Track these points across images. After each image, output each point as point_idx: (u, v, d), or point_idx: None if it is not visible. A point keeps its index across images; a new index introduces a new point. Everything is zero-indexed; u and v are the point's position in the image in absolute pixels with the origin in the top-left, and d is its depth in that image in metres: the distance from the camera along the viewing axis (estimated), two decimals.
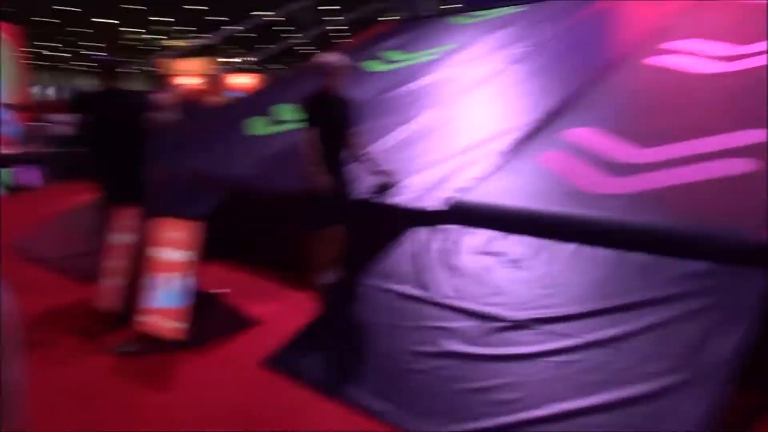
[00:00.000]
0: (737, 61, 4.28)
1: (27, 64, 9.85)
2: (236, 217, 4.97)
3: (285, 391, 2.83)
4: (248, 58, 21.80)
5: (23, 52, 9.29)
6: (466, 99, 5.41)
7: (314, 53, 7.59)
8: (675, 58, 4.64)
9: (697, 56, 4.56)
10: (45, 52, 25.44)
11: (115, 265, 3.81)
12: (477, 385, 2.55)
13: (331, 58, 3.88)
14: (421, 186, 4.03)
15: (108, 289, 3.80)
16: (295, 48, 21.31)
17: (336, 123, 3.86)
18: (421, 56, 7.02)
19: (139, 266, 3.60)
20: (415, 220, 3.71)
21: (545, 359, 2.52)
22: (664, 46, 4.88)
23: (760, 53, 4.23)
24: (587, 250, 2.94)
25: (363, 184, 4.19)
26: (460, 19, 8.20)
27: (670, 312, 2.46)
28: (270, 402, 2.75)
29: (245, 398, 2.79)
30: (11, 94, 8.73)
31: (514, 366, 2.56)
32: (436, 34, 7.78)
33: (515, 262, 3.11)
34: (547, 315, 2.70)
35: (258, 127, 6.41)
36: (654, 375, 2.26)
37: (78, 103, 4.43)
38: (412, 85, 6.18)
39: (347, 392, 2.72)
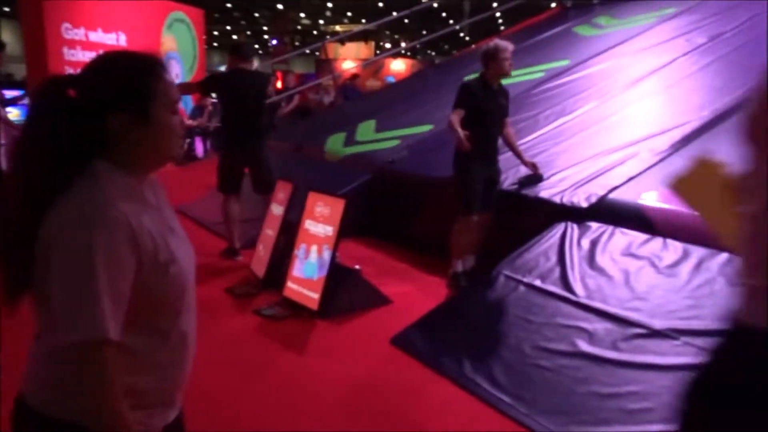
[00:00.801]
0: None
1: (205, 46, 10.86)
2: (382, 198, 5.17)
3: (408, 370, 2.92)
4: (408, 44, 22.20)
5: (204, 35, 10.25)
6: (629, 92, 5.11)
7: (474, 41, 7.61)
8: None
9: None
10: (215, 34, 27.88)
11: (268, 234, 4.15)
12: (606, 390, 2.45)
13: (497, 44, 3.86)
14: (571, 181, 3.90)
15: (260, 256, 4.16)
16: (455, 35, 21.37)
17: (492, 111, 3.85)
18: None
19: (288, 237, 3.89)
20: (562, 216, 3.61)
21: (682, 372, 2.34)
22: None
23: None
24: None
25: (513, 174, 4.15)
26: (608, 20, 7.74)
27: None
28: (393, 378, 2.86)
29: (369, 371, 2.92)
30: (189, 73, 9.71)
31: (648, 375, 2.43)
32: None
33: (662, 268, 2.92)
34: (690, 327, 2.51)
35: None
36: None
37: (208, 83, 4.95)
38: (575, 76, 5.95)
39: (470, 378, 2.75)
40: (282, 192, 4.20)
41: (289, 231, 3.94)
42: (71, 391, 1.03)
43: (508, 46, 3.85)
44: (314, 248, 3.65)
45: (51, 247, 1.00)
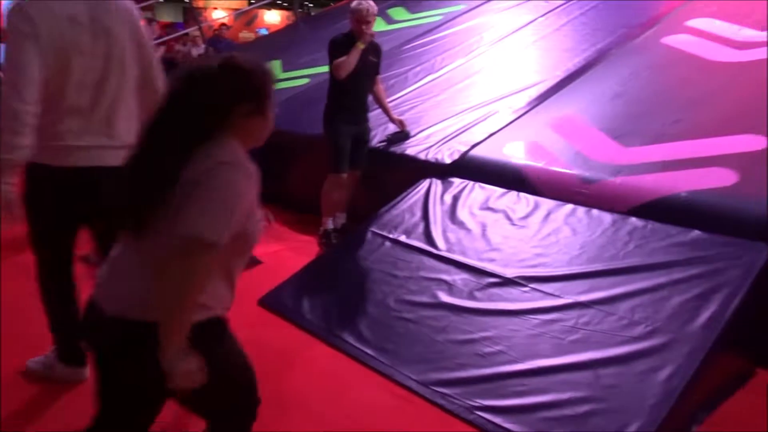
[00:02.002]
0: None
1: None
2: (255, 156, 5.02)
3: (277, 330, 2.93)
4: None
5: None
6: (492, 50, 5.29)
7: None
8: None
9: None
10: None
11: None
12: (463, 337, 2.61)
13: (360, 2, 3.82)
14: (436, 138, 4.01)
15: None
16: None
17: (361, 68, 3.83)
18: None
19: None
20: (428, 172, 3.72)
21: (530, 316, 2.55)
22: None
23: None
24: (584, 212, 2.93)
25: (382, 132, 4.20)
26: None
27: (658, 278, 2.46)
28: (261, 339, 2.83)
29: (240, 334, 2.88)
30: None
31: (499, 320, 2.61)
32: None
33: (515, 220, 3.11)
34: (538, 274, 2.72)
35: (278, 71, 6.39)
36: (634, 339, 2.29)
37: None
38: (440, 34, 6.06)
39: (337, 336, 2.81)
40: None
41: None
42: (159, 287, 1.26)
43: (370, 8, 3.82)
44: None
45: (199, 181, 1.27)
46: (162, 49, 9.08)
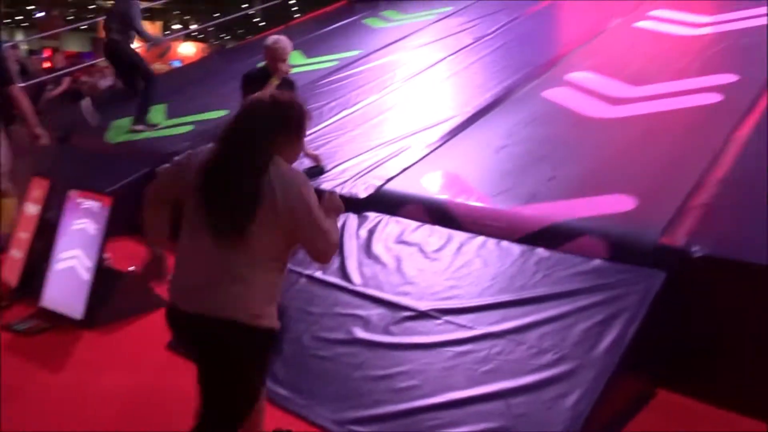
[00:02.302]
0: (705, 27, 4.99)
1: None
2: None
3: (187, 375, 2.78)
4: (199, 26, 21.18)
5: None
6: (407, 86, 5.43)
7: (269, 26, 7.53)
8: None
9: (672, 22, 5.24)
10: None
11: (22, 237, 3.67)
12: (377, 372, 2.59)
13: (277, 39, 3.82)
14: (351, 172, 4.03)
15: (12, 262, 3.66)
16: (250, 19, 20.88)
17: None
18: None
19: (44, 239, 3.47)
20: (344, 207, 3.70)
21: (444, 349, 2.57)
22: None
23: (722, 22, 4.94)
24: (494, 243, 3.01)
25: (297, 166, 4.15)
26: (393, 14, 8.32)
27: (565, 306, 2.55)
28: (170, 386, 2.71)
29: (145, 381, 2.75)
30: None
31: (414, 354, 2.61)
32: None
33: (429, 253, 3.15)
34: (451, 306, 2.75)
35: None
36: (542, 366, 2.35)
37: None
38: (355, 70, 6.16)
39: None
40: (37, 189, 3.73)
41: (48, 233, 3.52)
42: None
43: (287, 46, 3.85)
44: (78, 251, 3.31)
45: (283, 191, 1.70)
46: (68, 80, 8.69)
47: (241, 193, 1.67)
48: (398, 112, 4.95)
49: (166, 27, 24.34)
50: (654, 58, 4.69)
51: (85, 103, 6.15)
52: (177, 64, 15.73)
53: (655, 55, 4.76)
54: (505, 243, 3.00)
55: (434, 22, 7.05)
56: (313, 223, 1.74)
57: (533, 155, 3.72)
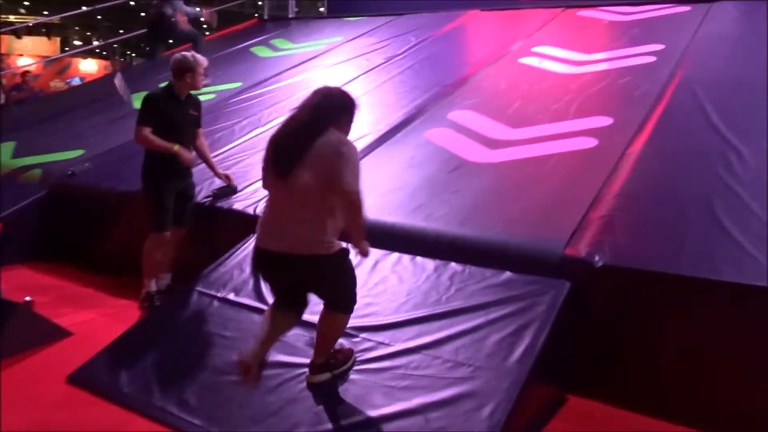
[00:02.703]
0: (584, 65, 5.16)
1: None
2: (62, 216, 4.59)
3: (91, 409, 2.62)
4: (102, 43, 20.28)
5: None
6: None
7: (176, 45, 7.32)
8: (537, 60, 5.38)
9: (555, 59, 5.37)
10: None
11: None
12: (296, 395, 2.53)
13: (186, 56, 3.70)
14: (261, 192, 3.94)
15: None
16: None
17: (182, 122, 3.69)
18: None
19: None
20: (255, 226, 3.62)
21: (363, 366, 2.57)
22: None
23: (601, 60, 5.06)
24: (409, 259, 3.05)
25: (208, 186, 4.05)
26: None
27: (478, 319, 2.61)
28: (72, 422, 2.53)
29: (41, 419, 2.55)
30: None
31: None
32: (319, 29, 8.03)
33: None
34: (368, 323, 2.75)
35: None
36: (458, 380, 2.38)
37: None
38: (267, 88, 6.10)
39: (160, 408, 2.58)
40: None
41: None
42: (351, 214, 2.34)
43: (204, 61, 3.75)
44: None
45: (333, 153, 2.28)
46: None
47: (298, 143, 2.31)
48: None
49: (66, 43, 23.18)
50: (534, 98, 4.64)
51: (118, 79, 6.04)
52: (77, 81, 15.00)
53: (535, 94, 4.73)
54: (419, 259, 3.04)
55: (324, 53, 7.01)
56: (341, 170, 2.25)
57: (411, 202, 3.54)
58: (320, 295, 2.51)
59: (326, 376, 2.51)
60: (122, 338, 3.07)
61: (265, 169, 2.43)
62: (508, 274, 2.79)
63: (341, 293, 2.50)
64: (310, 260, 2.34)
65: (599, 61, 5.22)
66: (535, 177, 3.58)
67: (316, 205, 2.31)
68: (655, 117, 3.99)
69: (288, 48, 7.61)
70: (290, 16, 9.76)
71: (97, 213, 4.46)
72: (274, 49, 7.70)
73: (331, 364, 2.53)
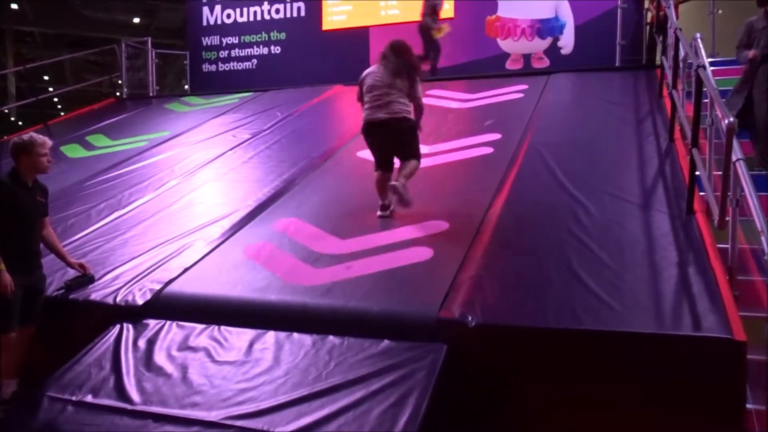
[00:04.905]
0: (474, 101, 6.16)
1: None
2: None
3: None
4: None
5: None
6: (186, 183, 5.25)
7: (26, 125, 6.82)
8: None
9: (447, 99, 6.10)
10: None
11: None
12: None
13: (23, 137, 3.42)
14: (126, 278, 3.69)
15: None
16: (5, 118, 18.82)
17: (28, 210, 3.38)
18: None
19: None
20: (119, 317, 3.35)
21: None
22: None
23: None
24: (285, 336, 2.95)
25: (60, 277, 3.70)
26: (177, 106, 8.20)
27: (359, 393, 2.54)
28: None
29: None
30: None
31: None
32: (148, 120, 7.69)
33: (217, 356, 2.96)
34: (245, 411, 2.57)
35: None
36: None
37: None
38: (127, 169, 5.83)
39: None
40: None
41: None
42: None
43: (45, 141, 3.49)
44: None
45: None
46: None
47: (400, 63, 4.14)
48: (177, 209, 4.74)
49: None
50: (439, 124, 5.71)
51: None
52: None
53: (439, 121, 5.80)
54: (296, 335, 2.94)
55: (190, 130, 6.99)
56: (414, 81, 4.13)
57: None
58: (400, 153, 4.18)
59: (402, 181, 3.95)
60: None
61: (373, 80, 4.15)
62: (386, 342, 2.77)
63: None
64: (403, 120, 4.11)
65: (483, 98, 6.32)
66: (405, 244, 3.67)
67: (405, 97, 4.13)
68: (509, 180, 4.31)
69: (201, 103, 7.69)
70: (151, 94, 9.53)
71: None
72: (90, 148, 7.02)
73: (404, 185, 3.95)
